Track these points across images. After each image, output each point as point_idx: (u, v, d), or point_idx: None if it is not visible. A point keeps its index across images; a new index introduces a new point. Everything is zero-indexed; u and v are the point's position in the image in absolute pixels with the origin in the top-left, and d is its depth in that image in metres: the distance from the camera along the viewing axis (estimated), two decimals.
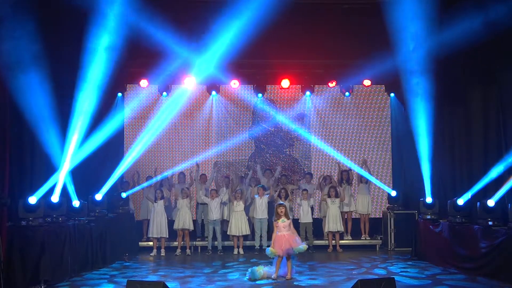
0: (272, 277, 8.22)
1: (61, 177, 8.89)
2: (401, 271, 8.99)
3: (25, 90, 8.07)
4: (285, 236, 8.33)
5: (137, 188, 11.71)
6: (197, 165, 12.00)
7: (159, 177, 11.62)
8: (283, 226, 8.40)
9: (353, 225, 11.98)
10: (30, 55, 8.00)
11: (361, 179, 12.06)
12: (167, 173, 11.89)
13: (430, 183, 10.29)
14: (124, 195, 11.18)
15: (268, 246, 8.82)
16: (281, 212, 8.47)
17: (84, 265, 9.02)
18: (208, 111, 13.07)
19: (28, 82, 8.10)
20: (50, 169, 8.86)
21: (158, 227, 10.89)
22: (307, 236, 11.22)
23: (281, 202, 9.44)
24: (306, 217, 11.26)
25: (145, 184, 11.70)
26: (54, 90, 8.60)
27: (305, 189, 11.52)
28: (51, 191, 8.60)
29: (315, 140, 13.05)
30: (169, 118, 12.42)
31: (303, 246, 8.41)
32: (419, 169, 10.73)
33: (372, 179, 12.12)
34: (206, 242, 11.31)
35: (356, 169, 12.17)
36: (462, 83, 10.44)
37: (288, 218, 8.50)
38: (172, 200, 11.72)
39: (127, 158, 11.44)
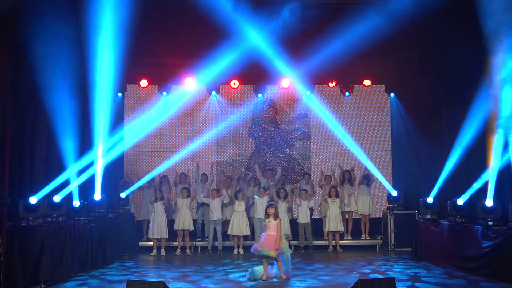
0: (262, 278, 8.22)
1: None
2: (401, 271, 8.98)
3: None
4: (265, 236, 8.40)
5: (136, 186, 11.66)
6: (197, 165, 12.01)
7: (153, 174, 11.63)
8: (268, 226, 8.45)
9: (353, 225, 11.97)
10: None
11: (362, 180, 12.06)
12: (162, 167, 11.89)
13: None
14: (123, 195, 11.17)
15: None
16: (269, 212, 8.51)
17: (84, 265, 9.01)
18: (208, 111, 13.07)
19: None
20: (50, 168, 8.85)
21: (158, 228, 10.88)
22: (306, 236, 11.21)
23: (272, 202, 9.40)
24: (304, 218, 11.24)
25: (143, 181, 11.67)
26: (55, 89, 8.59)
27: (304, 189, 11.50)
28: (53, 191, 8.58)
29: (315, 140, 13.06)
30: (167, 118, 12.44)
31: (270, 252, 8.19)
32: (420, 169, 10.64)
33: (378, 176, 12.13)
34: (206, 242, 11.31)
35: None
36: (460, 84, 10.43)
37: (276, 219, 8.47)
38: (173, 201, 11.70)
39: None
